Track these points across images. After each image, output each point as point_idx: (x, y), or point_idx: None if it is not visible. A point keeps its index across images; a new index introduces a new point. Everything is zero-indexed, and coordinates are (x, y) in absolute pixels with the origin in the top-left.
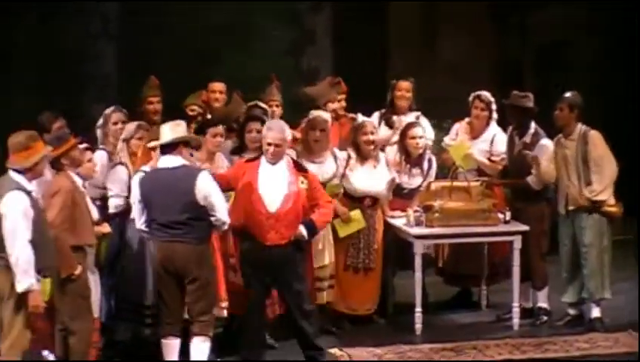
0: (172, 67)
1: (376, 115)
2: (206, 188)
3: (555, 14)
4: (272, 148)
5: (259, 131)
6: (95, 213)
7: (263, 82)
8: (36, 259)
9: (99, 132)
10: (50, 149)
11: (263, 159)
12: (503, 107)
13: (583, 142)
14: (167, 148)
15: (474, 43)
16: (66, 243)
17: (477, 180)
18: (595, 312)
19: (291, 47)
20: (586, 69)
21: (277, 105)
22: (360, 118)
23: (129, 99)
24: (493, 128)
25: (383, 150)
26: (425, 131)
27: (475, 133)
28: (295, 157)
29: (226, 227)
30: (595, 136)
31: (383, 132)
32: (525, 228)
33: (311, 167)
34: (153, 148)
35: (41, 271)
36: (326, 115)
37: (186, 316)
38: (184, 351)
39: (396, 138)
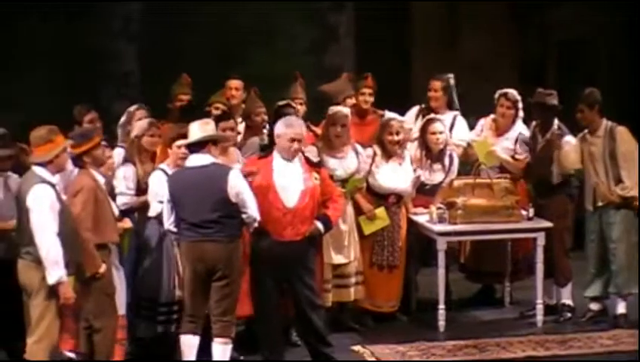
0: (195, 66)
1: (414, 110)
2: (238, 186)
3: (576, 12)
4: (296, 145)
5: None
6: (116, 210)
7: (286, 81)
8: (63, 252)
9: (120, 130)
10: (71, 143)
11: (275, 155)
12: (527, 105)
13: (610, 139)
14: (196, 147)
15: (495, 41)
16: (90, 242)
17: (499, 177)
18: (621, 308)
19: (314, 46)
20: (607, 67)
21: (301, 103)
22: (387, 115)
23: (150, 98)
24: (519, 126)
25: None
26: (444, 127)
27: (500, 131)
28: (316, 154)
29: (256, 224)
30: (623, 132)
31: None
32: (549, 224)
33: (332, 163)
34: (180, 147)
35: (67, 265)
36: (346, 110)
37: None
38: (203, 350)
39: (416, 134)
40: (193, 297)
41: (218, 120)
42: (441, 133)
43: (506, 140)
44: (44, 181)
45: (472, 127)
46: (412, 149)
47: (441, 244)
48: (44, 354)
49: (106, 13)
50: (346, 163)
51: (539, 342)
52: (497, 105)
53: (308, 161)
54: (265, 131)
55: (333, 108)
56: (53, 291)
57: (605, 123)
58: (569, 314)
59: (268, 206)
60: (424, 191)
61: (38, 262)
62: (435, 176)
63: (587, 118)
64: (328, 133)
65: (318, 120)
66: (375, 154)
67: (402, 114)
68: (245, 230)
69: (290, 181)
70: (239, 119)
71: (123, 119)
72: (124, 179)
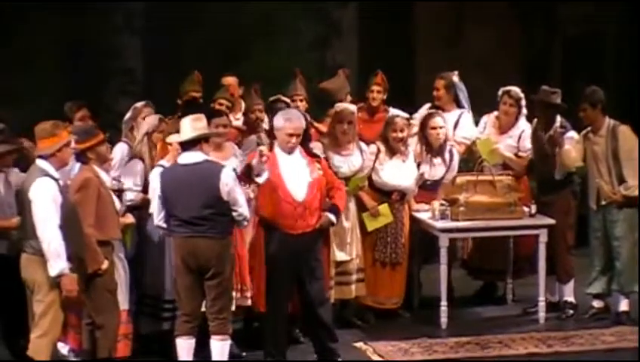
0: (199, 63)
1: (425, 107)
2: (230, 184)
3: (581, 8)
4: (294, 139)
5: None
6: (118, 205)
7: (290, 78)
8: (65, 245)
9: (124, 125)
10: (75, 138)
11: (277, 149)
12: (530, 102)
13: (612, 138)
14: (188, 144)
15: (500, 39)
16: (92, 239)
17: (502, 174)
18: (624, 305)
19: (317, 43)
20: (613, 64)
21: (301, 100)
22: (391, 111)
23: (154, 94)
24: (522, 124)
25: None
26: (445, 122)
27: (503, 129)
28: (322, 150)
29: (246, 223)
30: (625, 131)
31: None
32: (551, 221)
33: (338, 160)
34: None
35: (69, 258)
36: (352, 107)
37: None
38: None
39: (416, 129)
40: (186, 292)
41: (211, 116)
42: (441, 127)
43: (509, 138)
44: (47, 175)
45: (476, 124)
46: (412, 144)
47: (444, 241)
48: (47, 348)
49: (109, 9)
50: (351, 160)
51: (541, 339)
52: (500, 103)
53: (307, 151)
54: (264, 126)
55: (340, 106)
56: (56, 285)
57: (608, 122)
58: (571, 312)
59: (278, 201)
60: (425, 187)
61: (40, 255)
62: (436, 171)
63: (590, 116)
64: (334, 130)
65: (321, 117)
66: (379, 150)
67: (406, 111)
68: (253, 228)
69: (297, 174)
70: (239, 115)
71: (129, 115)
72: (133, 175)
